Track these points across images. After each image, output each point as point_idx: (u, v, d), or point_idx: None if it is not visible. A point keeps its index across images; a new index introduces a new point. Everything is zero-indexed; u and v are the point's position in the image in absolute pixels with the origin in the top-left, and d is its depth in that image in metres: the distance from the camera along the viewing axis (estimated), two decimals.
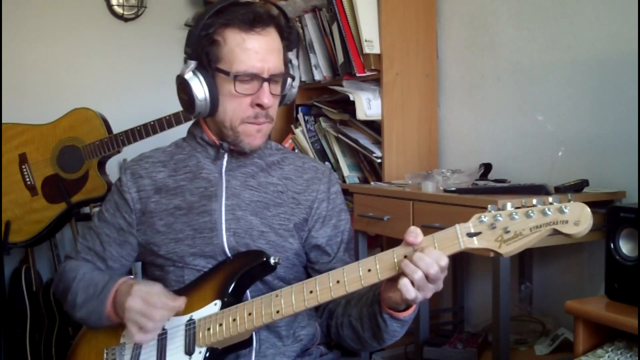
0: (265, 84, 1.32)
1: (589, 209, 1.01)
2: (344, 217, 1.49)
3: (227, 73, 1.31)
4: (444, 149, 2.60)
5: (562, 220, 1.02)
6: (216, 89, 1.33)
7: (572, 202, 1.02)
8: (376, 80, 2.49)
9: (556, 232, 1.03)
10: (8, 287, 3.03)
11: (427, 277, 1.09)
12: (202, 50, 1.32)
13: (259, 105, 1.33)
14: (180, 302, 1.27)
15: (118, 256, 1.47)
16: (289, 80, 1.42)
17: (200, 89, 1.32)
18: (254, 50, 1.30)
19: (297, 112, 2.82)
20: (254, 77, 1.32)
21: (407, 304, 1.19)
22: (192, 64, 1.33)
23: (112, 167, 2.74)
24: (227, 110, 1.35)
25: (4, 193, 2.59)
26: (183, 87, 1.34)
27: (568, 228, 1.01)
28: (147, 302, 1.25)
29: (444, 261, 1.09)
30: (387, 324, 1.22)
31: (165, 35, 3.31)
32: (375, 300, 1.24)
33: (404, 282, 1.10)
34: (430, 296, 1.12)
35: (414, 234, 1.11)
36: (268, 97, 1.33)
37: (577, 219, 1.01)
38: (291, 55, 1.42)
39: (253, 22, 1.30)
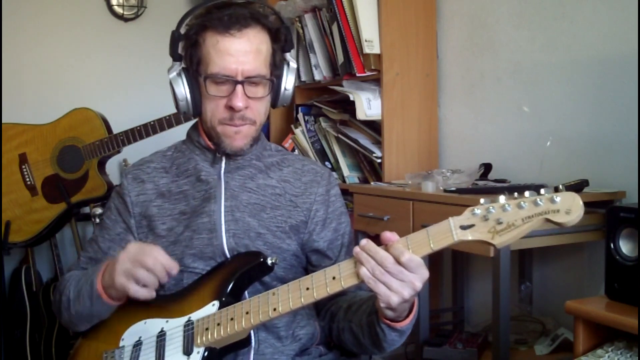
0: (239, 87, 1.31)
1: (579, 198, 1.03)
2: (344, 220, 1.48)
3: (201, 75, 1.33)
4: (444, 149, 2.60)
5: (553, 210, 1.03)
6: (199, 90, 1.35)
7: (563, 192, 1.04)
8: (376, 80, 2.49)
9: (548, 222, 1.05)
10: (8, 287, 3.03)
11: (385, 268, 1.09)
12: (185, 51, 1.34)
13: (232, 108, 1.33)
14: (175, 263, 1.25)
15: None
16: (283, 81, 1.41)
17: (181, 89, 1.34)
18: (228, 52, 1.30)
19: (297, 112, 2.82)
20: (227, 79, 1.31)
21: (407, 312, 1.18)
22: (177, 64, 1.35)
23: (112, 167, 2.74)
24: (207, 111, 1.36)
25: (4, 193, 2.59)
26: (171, 88, 1.36)
27: (559, 217, 1.03)
28: (140, 250, 1.23)
29: (405, 257, 1.08)
30: (385, 333, 1.22)
31: (165, 35, 3.27)
32: (373, 310, 1.24)
33: (362, 270, 1.10)
34: (409, 296, 1.10)
35: (391, 233, 1.12)
36: (241, 99, 1.31)
37: (568, 208, 1.03)
38: (289, 56, 1.41)
39: (228, 23, 1.30)
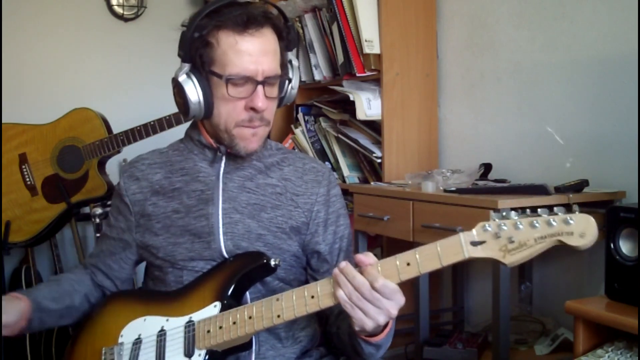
0: (260, 87, 1.30)
1: (594, 221, 1.01)
2: (343, 222, 1.47)
3: (220, 76, 1.29)
4: (444, 149, 2.60)
5: (567, 232, 1.02)
6: (210, 92, 1.31)
7: (577, 213, 1.02)
8: (376, 80, 2.49)
9: (561, 244, 1.03)
10: (8, 287, 3.02)
11: (362, 294, 1.10)
12: (196, 52, 1.30)
13: (253, 109, 1.31)
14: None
15: (125, 258, 1.48)
16: (288, 81, 1.40)
17: (193, 92, 1.30)
18: (248, 52, 1.28)
19: (297, 112, 2.82)
20: (247, 80, 1.29)
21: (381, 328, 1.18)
22: (186, 66, 1.31)
23: (112, 167, 2.74)
24: (221, 114, 1.33)
25: (4, 193, 2.59)
26: (178, 90, 1.32)
27: (573, 240, 1.02)
28: None
29: (379, 283, 1.09)
30: (362, 346, 1.22)
31: (165, 35, 3.26)
32: None
33: (339, 294, 1.12)
34: (383, 322, 1.12)
35: (365, 255, 1.14)
36: (262, 100, 1.30)
37: (583, 231, 1.01)
38: (291, 55, 1.40)
39: (246, 23, 1.28)
